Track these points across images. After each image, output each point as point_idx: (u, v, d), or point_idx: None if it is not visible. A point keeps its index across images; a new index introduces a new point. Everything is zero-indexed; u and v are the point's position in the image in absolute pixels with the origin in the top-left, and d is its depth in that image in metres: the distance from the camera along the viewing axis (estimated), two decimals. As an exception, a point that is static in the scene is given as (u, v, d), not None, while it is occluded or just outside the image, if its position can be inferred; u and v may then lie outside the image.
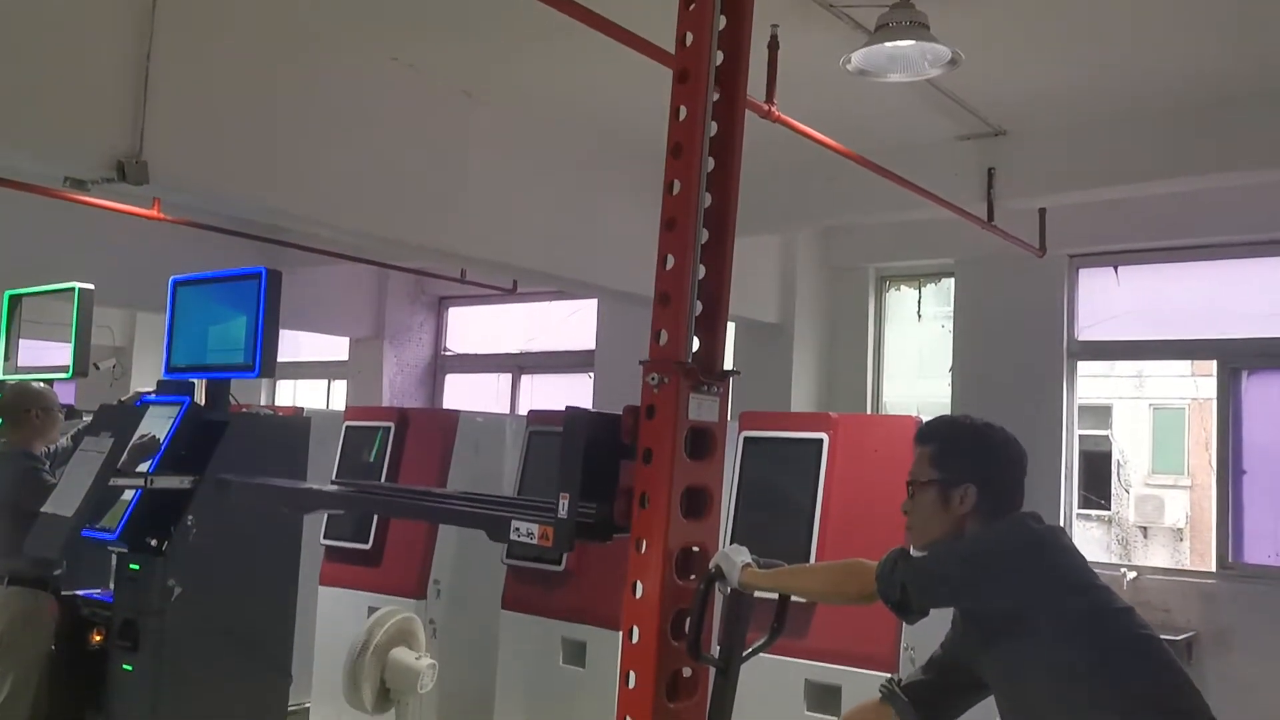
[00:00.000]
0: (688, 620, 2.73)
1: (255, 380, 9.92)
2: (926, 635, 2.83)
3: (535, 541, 2.91)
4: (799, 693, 4.61)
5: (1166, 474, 15.72)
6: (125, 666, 4.71)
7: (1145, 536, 14.76)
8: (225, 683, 4.81)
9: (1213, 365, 6.97)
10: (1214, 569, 6.66)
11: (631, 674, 2.77)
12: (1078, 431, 7.38)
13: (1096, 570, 2.40)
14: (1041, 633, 2.22)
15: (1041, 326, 7.22)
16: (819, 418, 5.17)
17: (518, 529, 2.95)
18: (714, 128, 2.95)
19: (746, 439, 5.14)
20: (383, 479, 6.33)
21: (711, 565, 2.73)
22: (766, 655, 4.61)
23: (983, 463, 2.44)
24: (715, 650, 2.84)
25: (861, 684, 4.39)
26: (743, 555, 2.70)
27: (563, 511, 2.82)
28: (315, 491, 4.07)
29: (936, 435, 2.56)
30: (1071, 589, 2.27)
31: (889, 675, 2.74)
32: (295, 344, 11.40)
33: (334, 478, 6.54)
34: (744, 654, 2.82)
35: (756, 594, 2.83)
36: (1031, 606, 2.24)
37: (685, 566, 2.84)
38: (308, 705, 6.41)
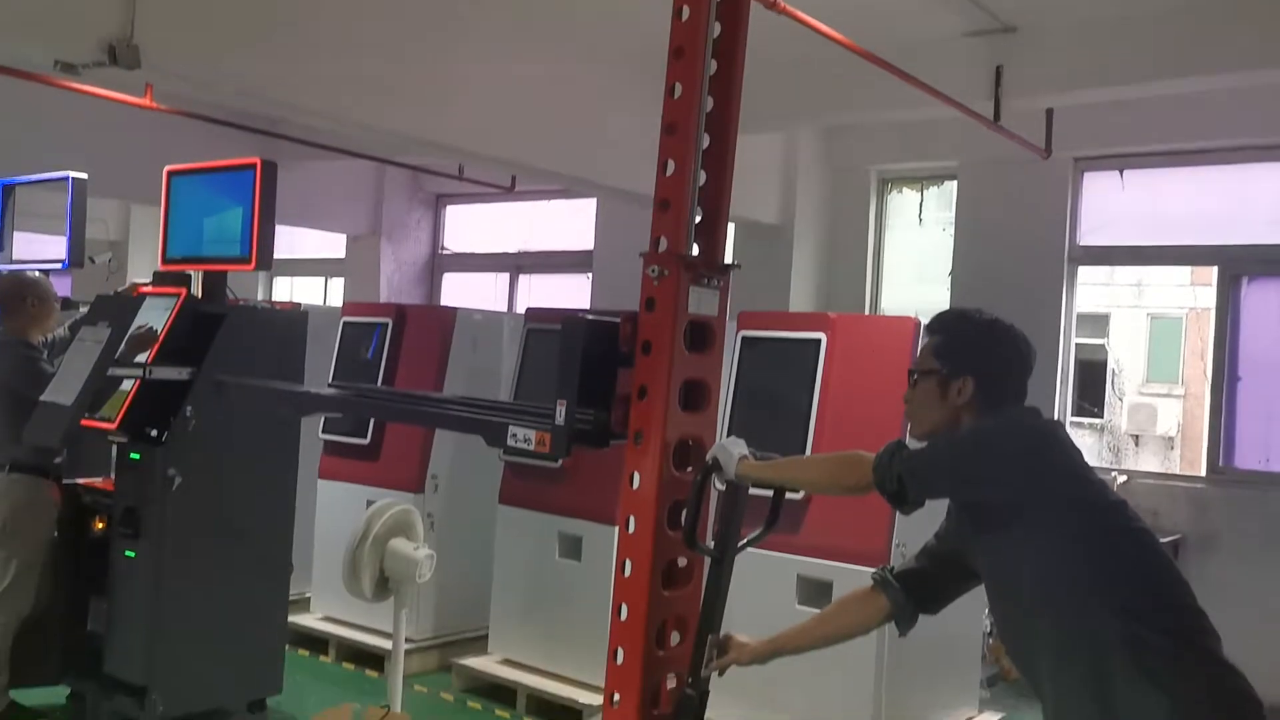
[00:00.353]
0: (684, 511, 2.76)
1: (252, 275, 9.92)
2: (918, 532, 2.86)
3: (533, 448, 2.93)
4: (791, 587, 4.69)
5: (1160, 383, 15.80)
6: (128, 553, 4.78)
7: (1137, 445, 14.90)
8: (227, 570, 4.89)
9: (1213, 274, 6.95)
10: (1204, 474, 6.74)
11: (628, 563, 2.82)
12: (1074, 339, 7.39)
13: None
14: (1035, 524, 2.24)
15: (1043, 231, 7.17)
16: (817, 318, 5.15)
17: (515, 435, 2.97)
18: (717, 29, 2.88)
19: (744, 339, 5.14)
20: (380, 376, 6.35)
21: (709, 457, 2.75)
22: (760, 550, 4.68)
23: (984, 356, 2.44)
24: (710, 541, 2.87)
25: (853, 580, 4.43)
26: (740, 447, 2.72)
27: (560, 418, 2.84)
28: (313, 394, 4.06)
29: (943, 326, 2.55)
30: (1066, 482, 2.28)
31: (881, 565, 2.77)
32: (292, 240, 11.32)
33: (331, 374, 6.57)
34: (739, 545, 2.85)
35: (752, 490, 2.86)
36: (1026, 499, 2.26)
37: (683, 459, 2.87)
38: (308, 595, 6.53)
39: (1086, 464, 2.36)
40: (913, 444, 2.49)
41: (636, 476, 2.80)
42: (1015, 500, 2.27)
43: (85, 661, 4.97)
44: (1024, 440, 2.32)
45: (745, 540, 2.88)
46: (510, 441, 3.00)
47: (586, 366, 2.84)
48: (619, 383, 2.88)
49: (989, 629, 6.38)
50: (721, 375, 3.01)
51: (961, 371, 2.43)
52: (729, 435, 4.83)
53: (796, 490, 4.43)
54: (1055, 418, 2.48)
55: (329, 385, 6.48)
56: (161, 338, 4.80)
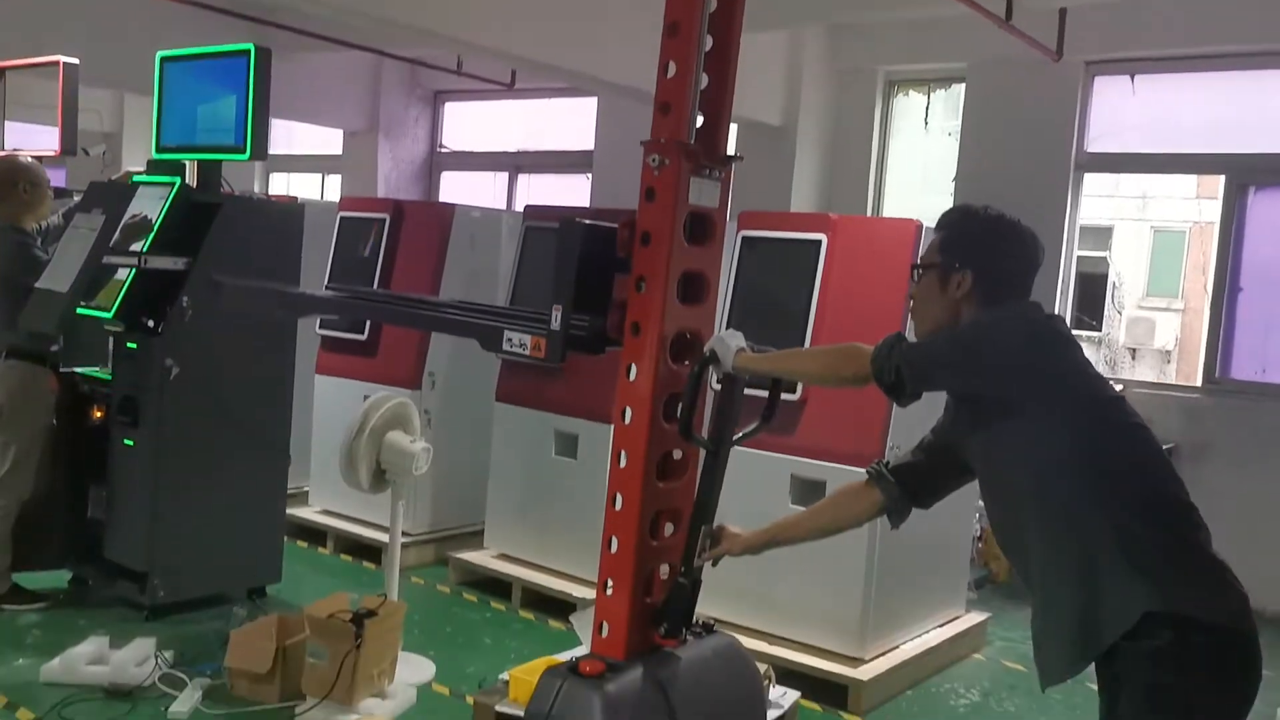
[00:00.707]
0: (680, 403, 2.76)
1: (248, 168, 9.81)
2: (913, 434, 2.86)
3: (528, 353, 2.92)
4: (785, 487, 4.72)
5: (1160, 297, 15.77)
6: (126, 442, 4.82)
7: (1133, 358, 14.94)
8: (225, 460, 4.94)
9: (1219, 187, 6.88)
10: (1199, 384, 6.76)
11: (623, 454, 2.82)
12: (1077, 251, 7.35)
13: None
14: (1031, 417, 2.24)
15: (1051, 137, 7.07)
16: (818, 219, 5.10)
17: (510, 340, 2.96)
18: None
19: (744, 239, 5.09)
20: (377, 272, 6.31)
21: (706, 349, 2.74)
22: (755, 450, 4.72)
23: (984, 250, 2.42)
24: (706, 434, 2.88)
25: (845, 479, 4.46)
26: (737, 340, 2.71)
27: (555, 323, 2.83)
28: (308, 296, 4.01)
29: (947, 221, 2.54)
30: (1064, 376, 2.28)
31: (877, 460, 2.78)
32: (289, 135, 11.18)
33: (328, 270, 6.53)
34: (734, 438, 2.86)
35: (748, 391, 2.86)
36: (1024, 391, 2.26)
37: (680, 351, 2.86)
38: (307, 489, 6.60)
39: (1086, 359, 2.36)
40: (913, 339, 2.48)
41: (633, 369, 2.80)
42: (1013, 392, 2.27)
43: (86, 547, 5.05)
44: (1024, 333, 2.31)
45: (741, 433, 2.89)
46: (505, 346, 2.99)
47: (583, 271, 2.82)
48: (616, 288, 2.85)
49: (978, 533, 6.47)
50: (721, 271, 2.99)
51: (961, 265, 2.41)
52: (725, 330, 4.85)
53: (794, 382, 4.47)
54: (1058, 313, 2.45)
55: (326, 286, 6.49)
56: (156, 227, 4.76)
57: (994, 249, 2.43)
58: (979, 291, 2.40)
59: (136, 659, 4.22)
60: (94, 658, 4.22)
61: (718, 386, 2.83)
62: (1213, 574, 2.18)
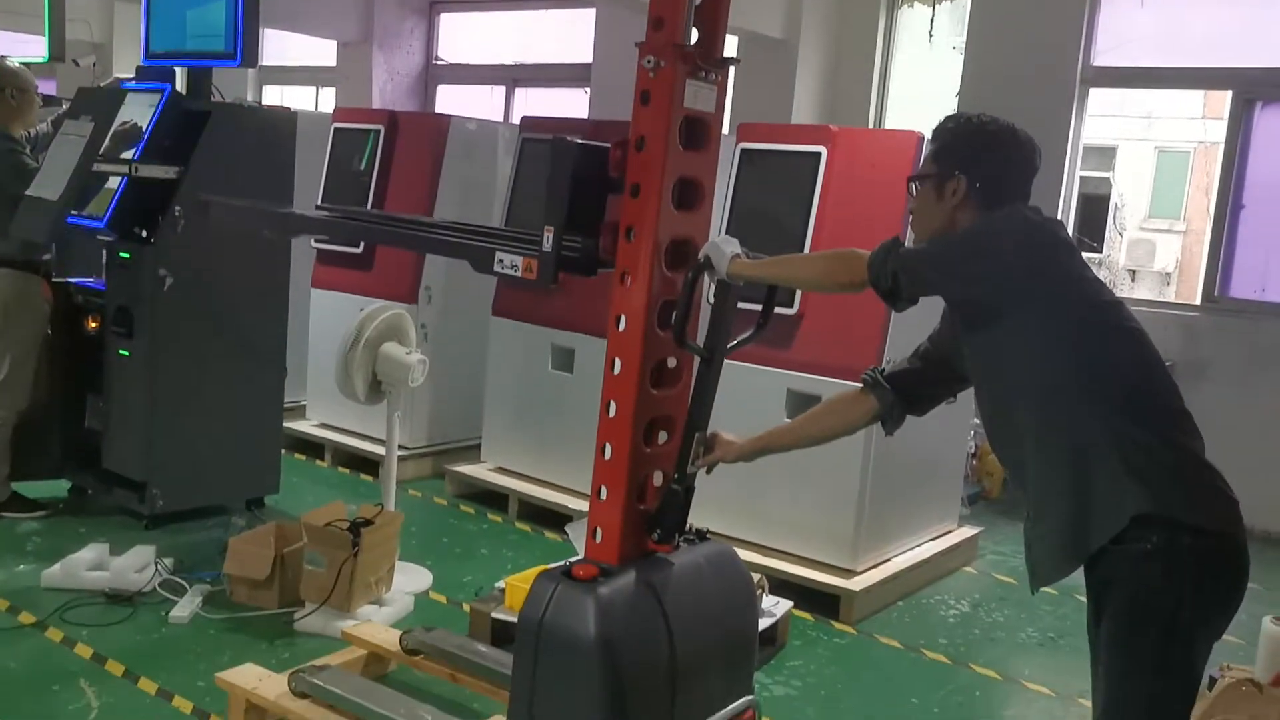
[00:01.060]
0: (675, 310, 2.74)
1: (240, 77, 9.64)
2: (910, 349, 2.84)
3: (519, 274, 2.88)
4: (780, 401, 4.73)
5: (1162, 218, 15.67)
6: (121, 352, 4.81)
7: (1133, 280, 14.91)
8: (221, 372, 4.94)
9: (1225, 106, 6.77)
10: (1198, 303, 6.74)
11: (617, 361, 2.81)
12: (1079, 171, 7.26)
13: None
14: (1028, 320, 2.23)
15: (1057, 50, 6.93)
16: (818, 131, 5.02)
17: (501, 261, 2.93)
18: None
19: (743, 151, 5.03)
20: (371, 185, 6.25)
21: (700, 254, 2.71)
22: (751, 364, 4.74)
23: (977, 154, 2.38)
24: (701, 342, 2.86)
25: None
26: (732, 246, 2.68)
27: (547, 245, 2.78)
28: (298, 215, 3.93)
29: (940, 131, 2.50)
30: (1062, 278, 2.26)
31: (872, 367, 2.77)
32: (282, 47, 10.99)
33: (322, 183, 6.46)
34: (729, 345, 2.85)
35: (743, 305, 2.84)
36: (1021, 293, 2.24)
37: (675, 259, 2.83)
38: (304, 403, 6.61)
39: (1084, 262, 2.33)
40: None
41: (628, 276, 2.77)
42: (1010, 294, 2.25)
43: (84, 457, 5.08)
44: (1022, 233, 2.28)
45: (736, 341, 2.87)
46: (497, 268, 2.96)
47: (575, 192, 2.77)
48: (609, 211, 2.81)
49: (973, 450, 6.51)
50: (717, 177, 2.94)
51: (956, 171, 2.38)
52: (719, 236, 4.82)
53: (790, 289, 4.45)
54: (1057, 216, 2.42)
55: (320, 198, 6.43)
56: (147, 135, 4.70)
57: (988, 153, 2.39)
58: (976, 197, 2.37)
59: (136, 565, 4.27)
60: (94, 564, 4.27)
61: (714, 281, 2.79)
62: (1204, 479, 2.19)
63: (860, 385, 2.75)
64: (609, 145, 2.77)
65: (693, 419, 2.83)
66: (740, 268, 2.64)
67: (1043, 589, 2.31)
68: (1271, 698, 2.80)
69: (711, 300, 2.83)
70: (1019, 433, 2.29)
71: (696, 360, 2.85)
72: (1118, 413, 2.17)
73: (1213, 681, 3.06)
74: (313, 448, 6.38)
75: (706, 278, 2.74)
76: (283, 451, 5.49)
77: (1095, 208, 13.24)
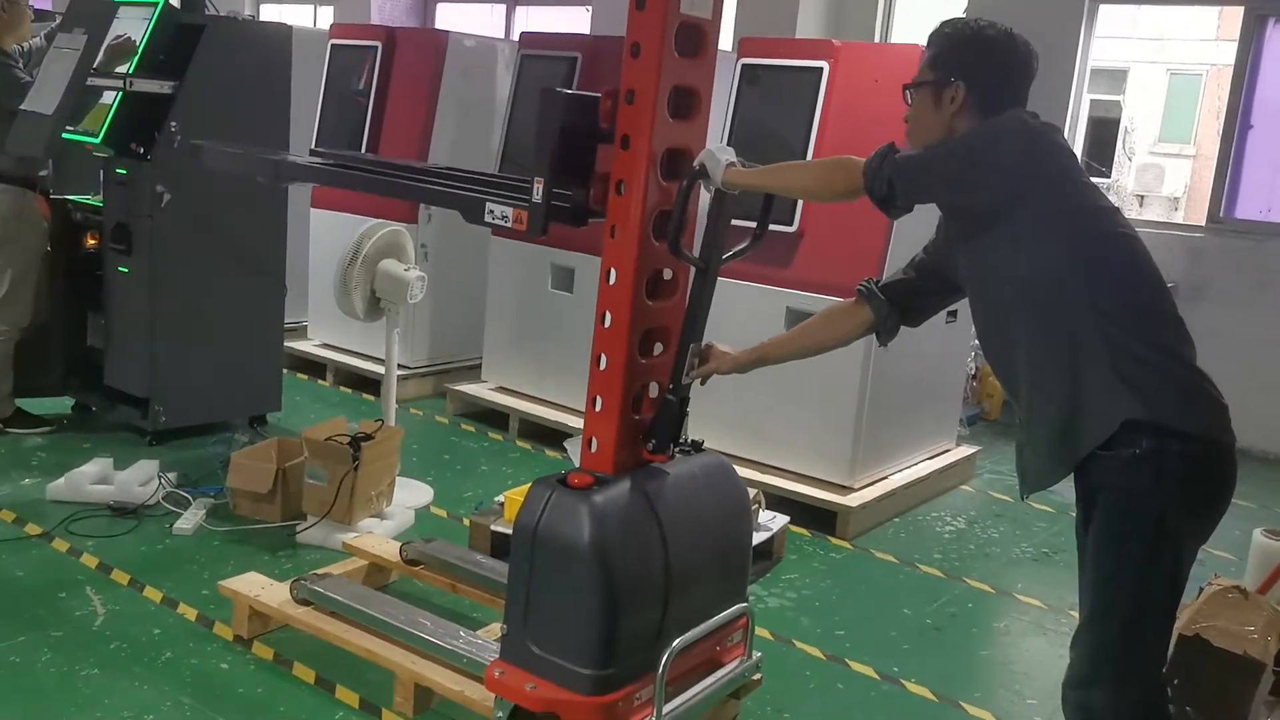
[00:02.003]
0: (670, 218, 2.72)
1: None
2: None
3: (510, 225, 2.88)
4: (779, 319, 4.72)
5: (1172, 142, 15.50)
6: (121, 269, 4.81)
7: (1141, 205, 14.78)
8: (221, 289, 4.94)
9: (1238, 24, 6.64)
10: (1203, 224, 6.69)
11: (612, 271, 2.80)
12: (1088, 95, 7.15)
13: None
14: (1023, 225, 2.22)
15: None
16: (819, 45, 4.95)
17: (492, 212, 2.93)
18: None
19: (744, 67, 4.96)
20: (370, 104, 6.19)
21: (696, 162, 2.69)
22: (751, 283, 4.73)
23: (973, 60, 2.35)
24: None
25: (841, 311, 4.50)
26: (727, 154, 2.66)
27: (536, 196, 2.78)
28: (291, 163, 3.86)
29: (937, 36, 2.46)
30: (1057, 183, 2.24)
31: (867, 278, 2.76)
32: (279, -36, 10.80)
33: (320, 102, 6.40)
34: (725, 256, 2.84)
35: (738, 222, 2.82)
36: (1016, 197, 2.22)
37: (671, 168, 2.81)
38: (305, 323, 6.63)
39: (1079, 167, 2.31)
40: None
41: (623, 184, 2.75)
42: (1005, 201, 2.23)
43: (87, 374, 5.11)
44: (1016, 141, 2.26)
45: (732, 251, 2.86)
46: (488, 218, 2.96)
47: (565, 142, 2.75)
48: (600, 161, 2.79)
49: (973, 371, 6.52)
50: (713, 85, 2.91)
51: (953, 78, 2.35)
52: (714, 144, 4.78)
53: (790, 203, 4.43)
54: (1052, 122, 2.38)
55: (318, 116, 6.36)
56: (141, 49, 4.65)
57: (984, 57, 2.35)
58: (973, 103, 2.34)
59: (140, 479, 4.32)
60: (98, 477, 4.32)
61: (710, 190, 2.76)
62: (1194, 384, 2.19)
63: (855, 296, 2.74)
64: (599, 95, 2.76)
65: (688, 330, 2.83)
66: (735, 176, 2.62)
67: (1039, 507, 2.33)
68: (1256, 604, 2.84)
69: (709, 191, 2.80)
70: (1012, 339, 2.30)
71: (692, 272, 2.84)
72: (1109, 318, 2.17)
73: (1201, 592, 3.10)
74: (315, 367, 6.41)
75: (702, 187, 2.72)
76: (285, 371, 5.52)
77: (1104, 131, 13.09)
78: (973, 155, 2.28)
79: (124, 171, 4.72)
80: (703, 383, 2.90)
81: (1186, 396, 2.17)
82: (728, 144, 4.87)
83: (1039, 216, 2.21)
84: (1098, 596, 2.22)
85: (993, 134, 2.28)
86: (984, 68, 2.35)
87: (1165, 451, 2.11)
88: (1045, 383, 2.23)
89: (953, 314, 4.92)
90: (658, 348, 2.94)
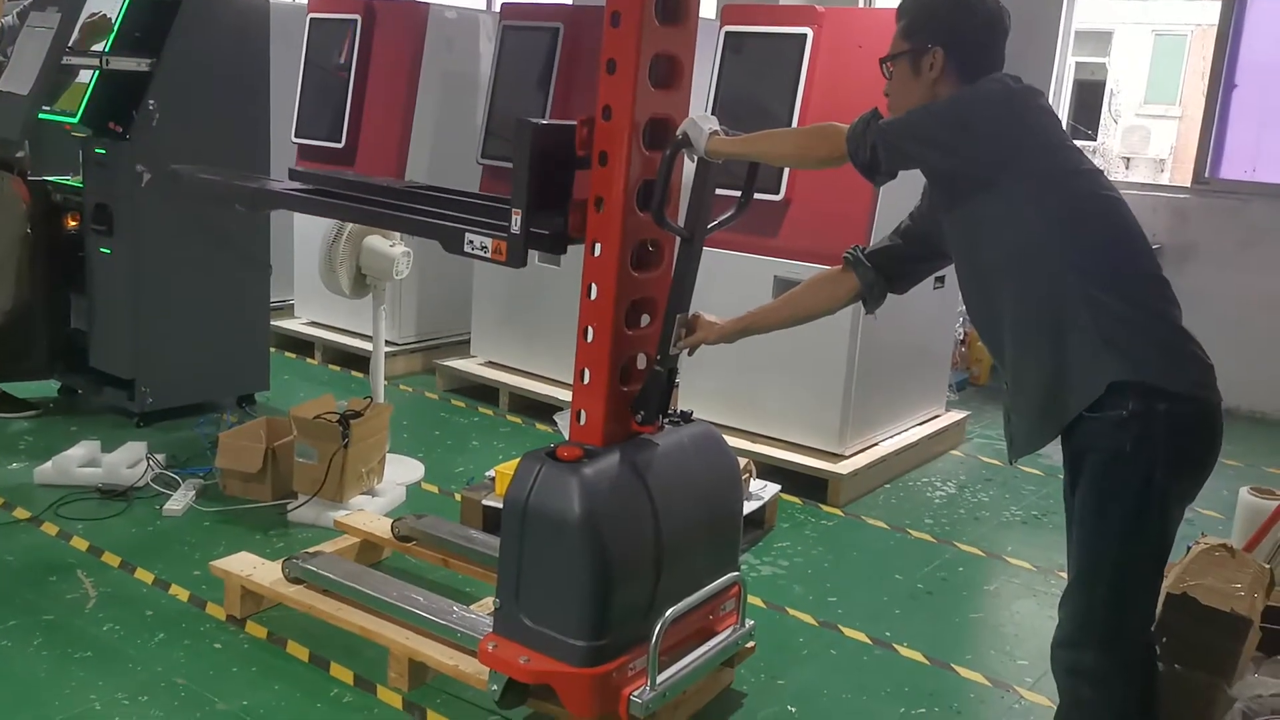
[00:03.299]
0: (654, 189, 2.71)
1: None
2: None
3: (489, 256, 2.90)
4: (767, 287, 4.70)
5: (1158, 104, 15.46)
6: (103, 250, 4.78)
7: (1127, 167, 14.76)
8: (205, 268, 4.90)
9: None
10: (1189, 184, 6.69)
11: (597, 244, 2.79)
12: (1073, 57, 7.12)
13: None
14: (1007, 188, 2.20)
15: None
16: (804, 11, 4.90)
17: (471, 242, 2.95)
18: None
19: (728, 34, 4.93)
20: (350, 79, 6.12)
21: (679, 131, 2.68)
22: (738, 252, 4.72)
23: (949, 23, 2.33)
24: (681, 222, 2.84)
25: (828, 279, 4.49)
26: (710, 123, 2.64)
27: (515, 228, 2.80)
28: (268, 192, 3.74)
29: (906, 6, 2.43)
30: (1041, 146, 2.23)
31: (853, 246, 2.75)
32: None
33: (300, 76, 6.34)
34: (709, 225, 2.83)
35: (723, 191, 2.81)
36: (999, 162, 2.21)
37: (654, 139, 2.79)
38: (292, 301, 6.60)
39: (1062, 130, 2.31)
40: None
41: (605, 155, 2.73)
42: (989, 164, 2.22)
43: (72, 357, 5.07)
44: (1000, 104, 2.25)
45: (717, 221, 2.85)
46: (467, 249, 2.97)
47: (541, 172, 2.77)
48: (578, 187, 2.81)
49: (962, 337, 6.53)
50: (695, 53, 2.88)
51: (929, 44, 2.33)
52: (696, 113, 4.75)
53: (775, 171, 4.42)
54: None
55: (299, 95, 6.28)
56: (117, 26, 4.60)
57: (958, 19, 2.33)
58: (953, 67, 2.33)
59: (128, 461, 4.30)
60: (86, 460, 4.30)
61: (694, 159, 2.74)
62: (1179, 344, 2.19)
63: (842, 264, 2.73)
64: (575, 123, 2.77)
65: (674, 300, 2.82)
66: (718, 145, 2.61)
67: (1028, 470, 2.34)
68: (1243, 562, 2.86)
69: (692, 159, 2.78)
70: (996, 304, 2.29)
71: (678, 242, 2.83)
72: (1093, 281, 2.16)
73: (1189, 551, 3.12)
74: (302, 345, 6.38)
75: (685, 156, 2.71)
76: (272, 349, 5.50)
77: (1090, 94, 13.04)
78: (957, 119, 2.26)
79: (103, 151, 4.67)
80: (690, 353, 2.90)
81: (1172, 357, 2.17)
82: (712, 113, 4.87)
83: (1022, 180, 2.20)
84: (1086, 557, 2.23)
85: (976, 98, 2.27)
86: (959, 29, 2.33)
87: (1152, 412, 2.12)
88: (1030, 347, 2.23)
89: (940, 280, 4.92)
90: (644, 319, 2.93)
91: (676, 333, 2.82)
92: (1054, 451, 2.32)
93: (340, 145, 6.16)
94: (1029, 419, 2.27)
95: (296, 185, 3.74)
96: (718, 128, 2.64)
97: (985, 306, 2.36)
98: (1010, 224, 2.22)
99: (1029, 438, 2.29)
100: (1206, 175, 6.57)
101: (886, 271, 2.67)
